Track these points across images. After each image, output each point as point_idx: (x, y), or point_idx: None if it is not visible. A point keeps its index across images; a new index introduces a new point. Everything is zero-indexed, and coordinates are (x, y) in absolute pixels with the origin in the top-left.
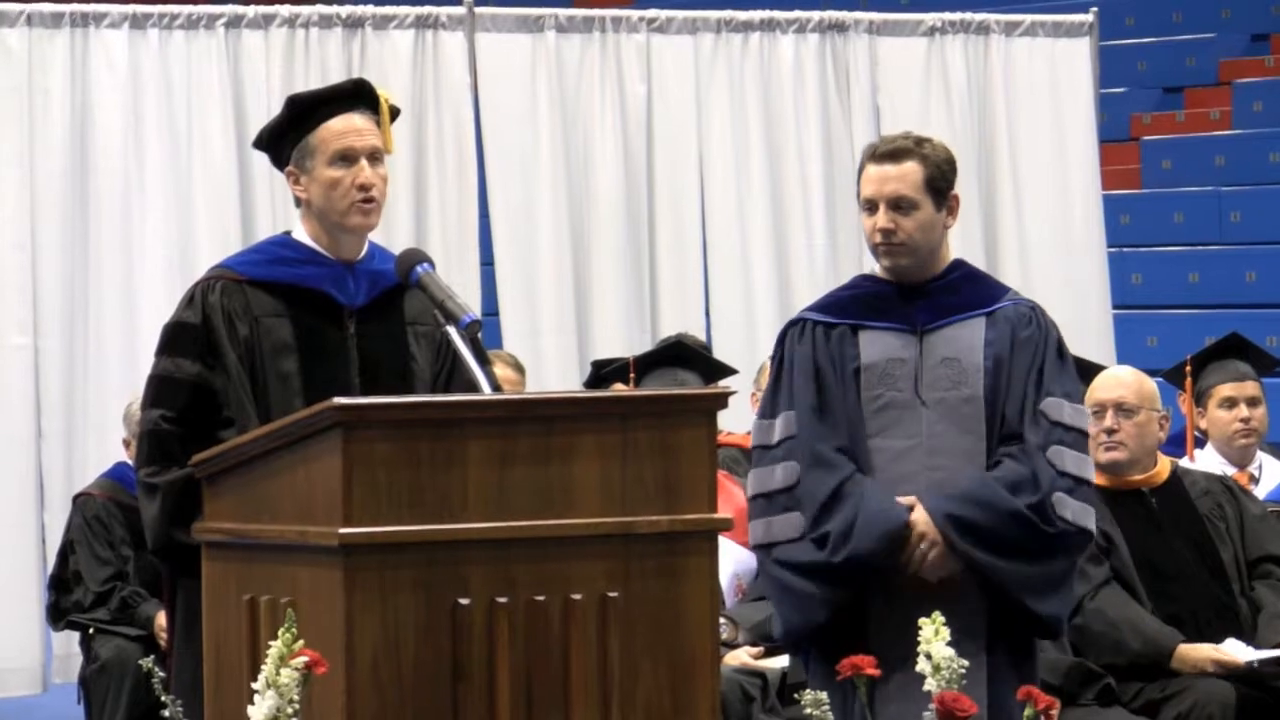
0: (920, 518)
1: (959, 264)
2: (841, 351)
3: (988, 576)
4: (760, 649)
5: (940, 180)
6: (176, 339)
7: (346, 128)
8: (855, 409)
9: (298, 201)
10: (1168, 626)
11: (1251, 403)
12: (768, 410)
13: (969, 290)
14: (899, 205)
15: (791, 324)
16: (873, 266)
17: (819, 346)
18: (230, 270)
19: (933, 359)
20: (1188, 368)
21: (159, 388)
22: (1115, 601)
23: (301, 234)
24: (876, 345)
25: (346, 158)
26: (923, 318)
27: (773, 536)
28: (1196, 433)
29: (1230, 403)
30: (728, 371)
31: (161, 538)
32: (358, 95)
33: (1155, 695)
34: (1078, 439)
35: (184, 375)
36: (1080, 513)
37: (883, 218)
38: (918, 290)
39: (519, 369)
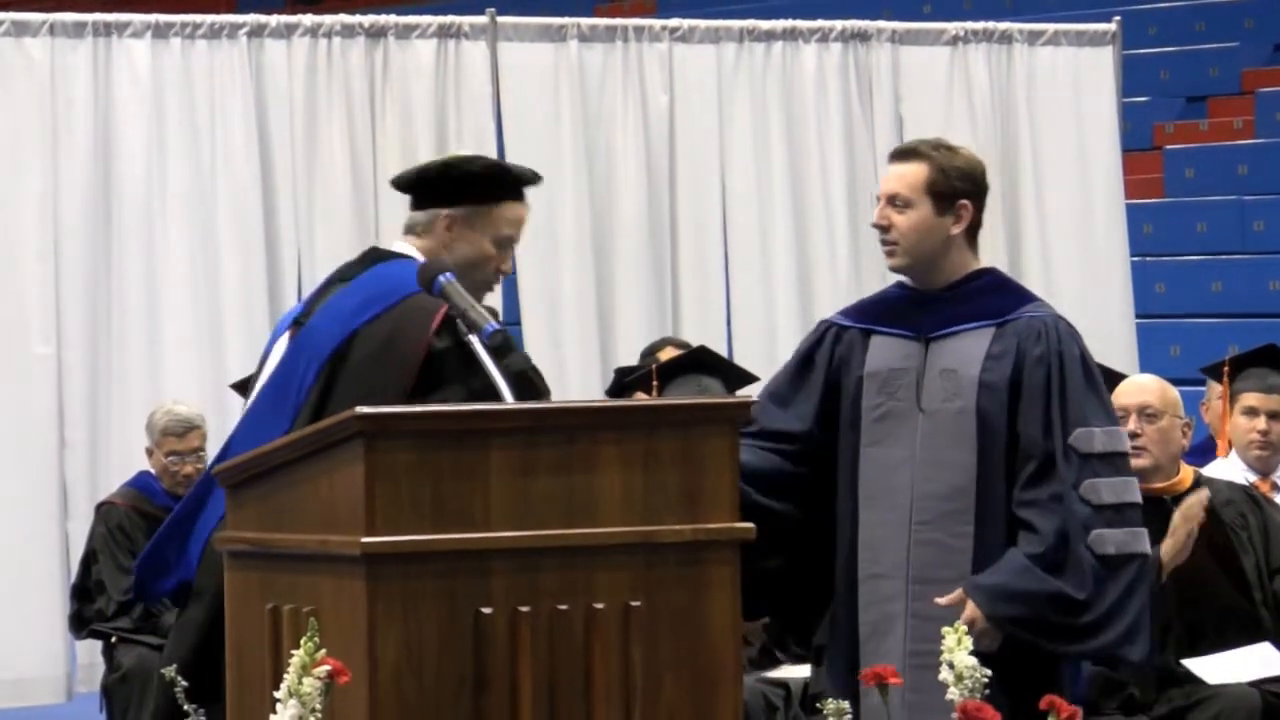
0: (973, 616)
1: (984, 273)
2: (849, 356)
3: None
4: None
5: (944, 185)
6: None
7: (518, 217)
8: (851, 416)
9: (416, 227)
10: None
11: (1273, 416)
12: None
13: (984, 300)
14: (894, 201)
15: (822, 323)
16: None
17: (824, 344)
18: None
19: (934, 369)
20: (1226, 368)
21: (529, 381)
22: None
23: (413, 252)
24: (883, 353)
25: (508, 244)
26: (929, 325)
27: None
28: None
29: (1252, 412)
30: (751, 379)
31: None
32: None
33: (1180, 702)
34: (1115, 463)
35: None
36: (1126, 540)
37: (877, 212)
38: (932, 297)
39: None
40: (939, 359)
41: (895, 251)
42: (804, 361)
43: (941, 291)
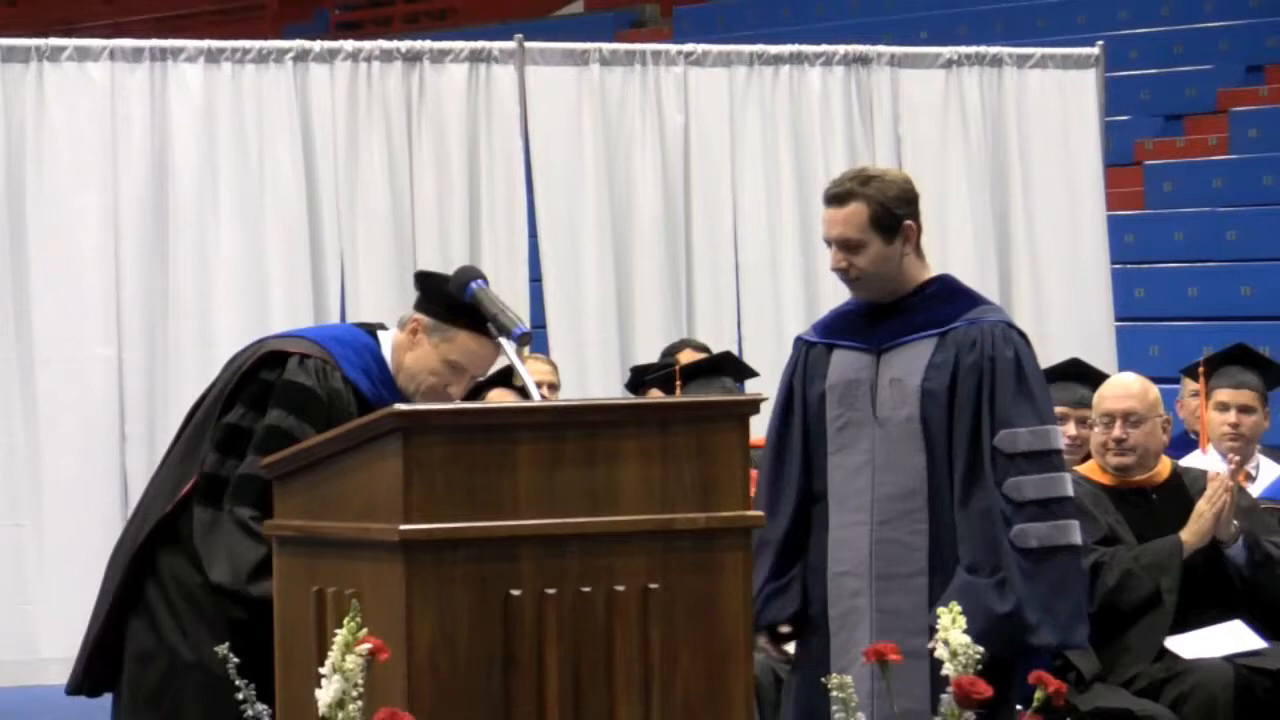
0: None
1: (935, 281)
2: (816, 371)
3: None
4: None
5: (886, 216)
6: (308, 405)
7: (479, 353)
8: (818, 427)
9: (400, 319)
10: (1161, 540)
11: (1244, 410)
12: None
13: (931, 309)
14: (845, 246)
15: (797, 339)
16: None
17: (798, 367)
18: (337, 361)
19: (885, 379)
20: (1201, 368)
21: (281, 442)
22: (1118, 553)
23: (388, 348)
24: (842, 366)
25: (458, 370)
26: (881, 337)
27: None
28: (1192, 434)
29: (1224, 407)
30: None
31: (243, 582)
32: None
33: (1159, 676)
34: (1041, 460)
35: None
36: (1050, 534)
37: (834, 258)
38: (885, 310)
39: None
40: (889, 370)
41: (859, 287)
42: (788, 392)
43: (894, 303)
